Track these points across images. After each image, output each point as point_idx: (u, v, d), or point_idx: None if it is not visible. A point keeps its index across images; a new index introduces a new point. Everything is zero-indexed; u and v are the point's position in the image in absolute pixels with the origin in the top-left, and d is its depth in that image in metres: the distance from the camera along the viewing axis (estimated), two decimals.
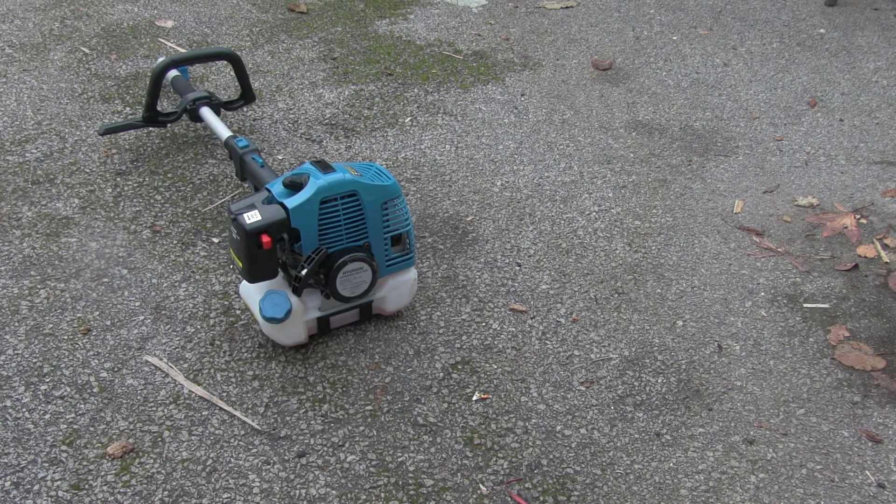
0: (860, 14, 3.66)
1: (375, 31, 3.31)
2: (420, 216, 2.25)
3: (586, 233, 2.23)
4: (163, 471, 1.54)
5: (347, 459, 1.58)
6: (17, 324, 1.84)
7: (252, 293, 1.75)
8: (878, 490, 1.58)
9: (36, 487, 1.50)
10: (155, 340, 1.82)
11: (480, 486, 1.55)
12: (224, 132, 2.22)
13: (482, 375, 1.78)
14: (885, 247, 2.23)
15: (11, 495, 1.48)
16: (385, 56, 3.10)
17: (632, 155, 2.58)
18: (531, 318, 1.94)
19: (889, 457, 1.65)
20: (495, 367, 1.80)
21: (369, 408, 1.69)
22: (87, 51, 2.97)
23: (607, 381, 1.78)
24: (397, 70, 3.00)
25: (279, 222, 1.64)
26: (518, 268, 2.09)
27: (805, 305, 2.02)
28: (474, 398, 1.73)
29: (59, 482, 1.51)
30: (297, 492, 1.52)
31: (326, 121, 2.66)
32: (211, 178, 2.35)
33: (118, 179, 2.32)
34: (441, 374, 1.78)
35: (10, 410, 1.64)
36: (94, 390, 1.69)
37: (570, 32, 3.38)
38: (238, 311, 1.90)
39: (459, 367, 1.80)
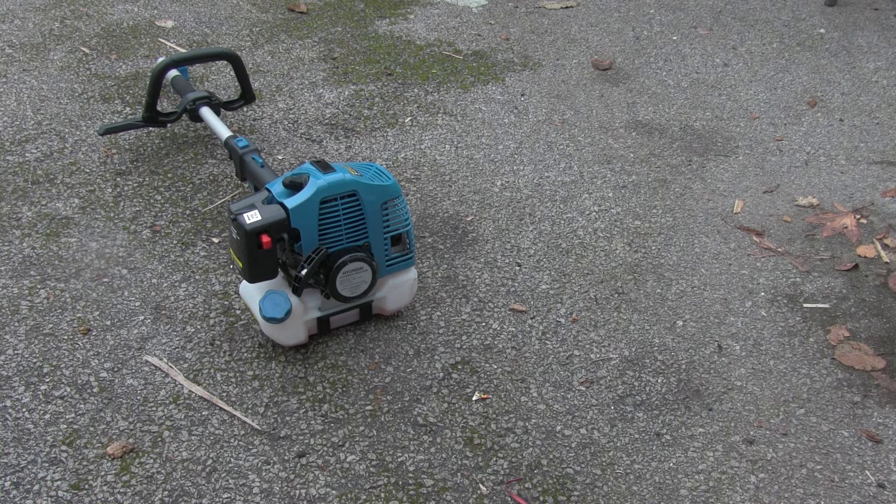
0: (860, 14, 3.66)
1: (375, 31, 3.30)
2: (420, 216, 2.25)
3: (586, 233, 2.23)
4: (163, 471, 1.54)
5: (347, 459, 1.58)
6: (17, 324, 1.84)
7: (252, 293, 1.76)
8: (878, 490, 1.58)
9: (36, 487, 1.50)
10: (155, 340, 1.82)
11: (480, 486, 1.55)
12: (224, 132, 2.22)
13: (482, 375, 1.78)
14: (885, 247, 2.23)
15: (11, 495, 1.48)
16: (385, 56, 3.10)
17: (632, 155, 2.58)
18: (531, 318, 1.94)
19: (889, 457, 1.65)
20: (495, 367, 1.80)
21: (369, 408, 1.69)
22: (87, 51, 2.97)
23: (607, 381, 1.78)
24: (397, 70, 3.00)
25: (279, 222, 1.64)
26: (518, 268, 2.09)
27: (805, 305, 2.02)
28: (474, 398, 1.73)
29: (59, 482, 1.51)
30: (297, 492, 1.52)
31: (326, 121, 2.66)
32: (211, 178, 2.35)
33: (118, 179, 2.32)
34: (441, 374, 1.78)
35: (10, 410, 1.64)
36: (94, 390, 1.69)
37: (570, 32, 3.38)
38: (238, 311, 1.90)
39: (459, 367, 1.80)
